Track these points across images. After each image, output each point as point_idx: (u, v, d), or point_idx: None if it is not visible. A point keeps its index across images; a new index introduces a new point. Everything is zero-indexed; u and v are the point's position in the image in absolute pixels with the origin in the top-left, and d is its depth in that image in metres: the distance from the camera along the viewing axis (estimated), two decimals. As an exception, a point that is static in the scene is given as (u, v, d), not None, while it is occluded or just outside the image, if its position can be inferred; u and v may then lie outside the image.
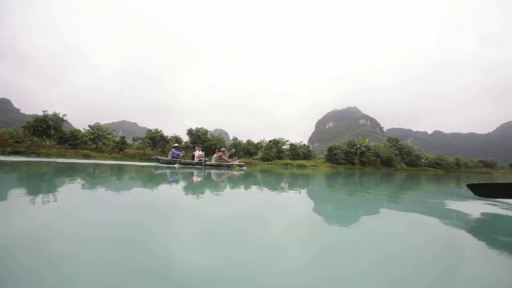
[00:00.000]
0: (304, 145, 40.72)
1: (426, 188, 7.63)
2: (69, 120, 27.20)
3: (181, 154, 13.51)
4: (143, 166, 11.18)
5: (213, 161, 13.90)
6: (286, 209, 3.06)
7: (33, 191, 3.43)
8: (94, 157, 21.24)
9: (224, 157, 14.17)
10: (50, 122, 24.84)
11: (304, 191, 5.29)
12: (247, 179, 7.26)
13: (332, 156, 38.55)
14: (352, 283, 1.20)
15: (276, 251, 1.56)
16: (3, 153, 16.96)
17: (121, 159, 21.39)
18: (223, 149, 15.55)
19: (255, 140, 38.23)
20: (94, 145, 26.96)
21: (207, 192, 4.27)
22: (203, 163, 13.22)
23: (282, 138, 37.61)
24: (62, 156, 19.38)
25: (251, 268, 1.31)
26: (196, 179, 6.71)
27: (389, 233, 2.15)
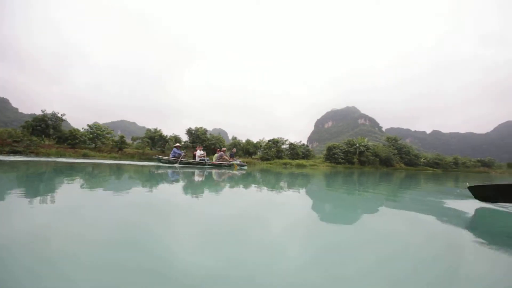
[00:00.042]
0: (303, 144, 40.77)
1: (424, 187, 7.66)
2: (67, 120, 27.08)
3: (182, 154, 13.49)
4: (144, 166, 11.14)
5: (214, 161, 13.89)
6: (285, 209, 3.07)
7: (33, 191, 3.43)
8: (93, 157, 21.20)
9: (225, 156, 14.16)
10: (49, 122, 24.77)
11: (303, 191, 5.31)
12: (247, 179, 7.27)
13: (331, 156, 38.60)
14: (352, 283, 1.20)
15: (276, 251, 1.56)
16: (1, 153, 16.90)
17: (120, 159, 21.35)
18: (224, 148, 15.52)
19: (255, 139, 38.28)
20: (93, 145, 26.91)
21: (208, 191, 4.28)
22: (205, 163, 13.21)
23: (281, 138, 37.64)
24: (61, 156, 19.34)
25: (251, 268, 1.31)
26: (197, 178, 6.71)
27: (389, 233, 2.15)
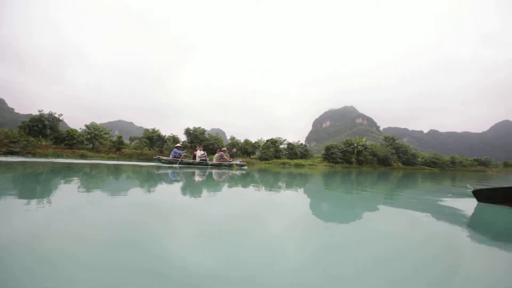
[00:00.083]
0: (302, 144, 40.82)
1: (423, 186, 7.71)
2: (64, 120, 26.92)
3: (182, 154, 13.46)
4: (144, 166, 11.10)
5: (214, 161, 13.88)
6: (285, 209, 3.09)
7: (33, 192, 3.42)
8: (91, 157, 21.09)
9: (225, 156, 14.15)
10: (46, 122, 24.57)
11: (303, 191, 5.33)
12: (247, 179, 7.28)
13: (329, 155, 38.69)
14: (351, 282, 1.20)
15: (276, 251, 1.56)
16: (-2, 153, 16.78)
17: (118, 159, 21.27)
18: (224, 148, 15.50)
19: (253, 139, 38.28)
20: (91, 145, 26.75)
21: (208, 192, 4.28)
22: (206, 163, 13.18)
23: (279, 138, 37.66)
24: (58, 156, 19.23)
25: (251, 267, 1.31)
26: (197, 179, 6.71)
27: (388, 232, 2.16)
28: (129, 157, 24.78)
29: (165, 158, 13.46)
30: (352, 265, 1.40)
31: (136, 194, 3.66)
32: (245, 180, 6.96)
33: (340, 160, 38.52)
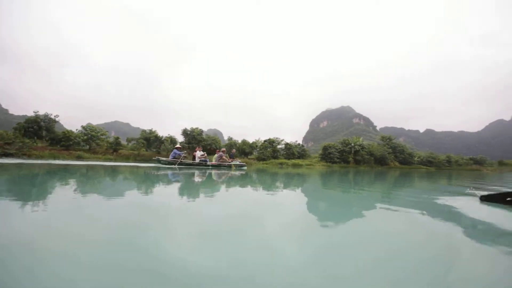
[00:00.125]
0: (299, 144, 40.91)
1: (420, 185, 7.78)
2: (60, 121, 26.67)
3: (182, 154, 13.45)
4: (143, 167, 11.05)
5: (213, 161, 13.86)
6: (284, 209, 3.11)
7: (34, 193, 3.41)
8: (88, 159, 20.94)
9: (224, 157, 14.14)
10: (42, 123, 24.35)
11: (301, 191, 5.36)
12: (247, 179, 7.28)
13: (326, 155, 38.82)
14: (351, 282, 1.20)
15: (276, 251, 1.56)
16: (-7, 155, 16.61)
17: (115, 160, 21.14)
18: (224, 149, 15.47)
19: (250, 139, 38.31)
20: (88, 146, 26.57)
21: (207, 192, 4.29)
22: (205, 164, 13.16)
23: (277, 138, 37.72)
24: (55, 158, 19.05)
25: (251, 268, 1.32)
26: (197, 179, 6.70)
27: (387, 232, 2.16)
28: (126, 158, 24.65)
29: (164, 159, 13.42)
30: (352, 265, 1.39)
31: (136, 194, 3.66)
32: (244, 180, 6.97)
33: (338, 160, 38.67)
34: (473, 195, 3.91)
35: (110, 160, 21.37)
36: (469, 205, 3.66)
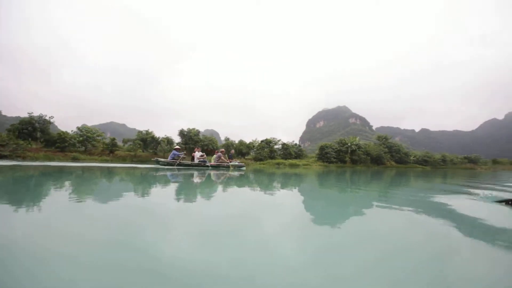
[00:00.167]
0: (296, 144, 41.03)
1: (417, 184, 7.85)
2: (55, 123, 26.41)
3: (181, 155, 13.45)
4: (143, 168, 10.99)
5: (212, 162, 13.86)
6: (283, 209, 3.12)
7: (34, 194, 3.39)
8: (84, 160, 20.75)
9: (222, 158, 14.13)
10: (36, 125, 24.11)
11: (300, 190, 5.39)
12: (246, 180, 7.29)
13: (323, 155, 38.99)
14: (351, 282, 1.20)
15: (276, 251, 1.56)
16: (-13, 157, 16.38)
17: (112, 162, 20.99)
18: (222, 149, 15.44)
19: (247, 140, 38.35)
20: (83, 148, 26.34)
21: (207, 192, 4.29)
22: (204, 164, 13.16)
23: (274, 138, 37.80)
24: (50, 160, 18.85)
25: (251, 267, 1.32)
26: (196, 180, 6.69)
27: (387, 231, 2.16)
28: (123, 160, 24.49)
29: (163, 159, 13.41)
30: (352, 265, 1.39)
31: (135, 195, 3.65)
32: (243, 181, 6.98)
33: (334, 160, 38.86)
34: (468, 193, 3.93)
35: (106, 161, 21.21)
36: (468, 204, 3.68)
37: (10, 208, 2.50)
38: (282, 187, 5.74)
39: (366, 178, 10.12)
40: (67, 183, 4.95)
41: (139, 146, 29.41)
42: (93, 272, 1.20)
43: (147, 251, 1.47)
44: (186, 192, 4.40)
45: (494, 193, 4.35)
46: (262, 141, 37.07)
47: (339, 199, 4.20)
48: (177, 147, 14.37)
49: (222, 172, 10.58)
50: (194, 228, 2.06)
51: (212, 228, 2.03)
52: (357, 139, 44.13)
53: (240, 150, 35.40)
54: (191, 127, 33.46)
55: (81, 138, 25.91)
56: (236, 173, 9.94)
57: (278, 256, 1.49)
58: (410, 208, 3.22)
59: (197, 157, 13.64)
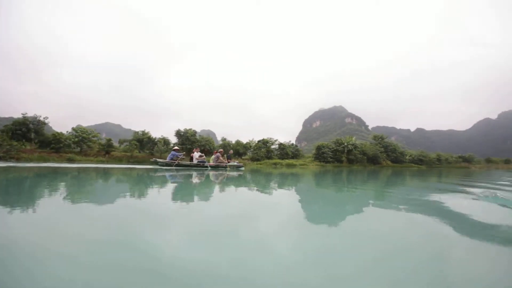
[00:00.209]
0: (292, 144, 41.15)
1: (414, 184, 7.92)
2: (49, 123, 26.14)
3: (180, 156, 13.46)
4: (142, 169, 10.96)
5: (211, 162, 13.87)
6: (282, 209, 3.13)
7: (34, 194, 3.37)
8: (80, 161, 20.58)
9: (221, 158, 14.14)
10: (31, 125, 23.82)
11: (298, 190, 5.40)
12: (244, 180, 7.29)
13: (320, 155, 39.15)
14: (351, 282, 1.20)
15: (275, 251, 1.57)
16: (-20, 159, 16.14)
17: (108, 162, 20.83)
18: (221, 150, 15.44)
19: (244, 140, 38.36)
20: (79, 149, 26.10)
21: (206, 193, 4.29)
22: (203, 165, 13.15)
23: (271, 138, 37.88)
24: (45, 161, 18.64)
25: (251, 267, 1.32)
26: (195, 180, 6.69)
27: (386, 231, 2.16)
28: (119, 160, 24.33)
29: (162, 160, 13.44)
30: (352, 264, 1.39)
31: (135, 196, 3.64)
32: (242, 181, 6.98)
33: (331, 160, 39.05)
34: (466, 192, 3.93)
35: (102, 162, 21.05)
36: (466, 203, 3.70)
37: (10, 208, 2.49)
38: (280, 187, 5.76)
39: (363, 178, 10.20)
40: (65, 184, 4.92)
41: (135, 146, 29.22)
42: (93, 272, 1.20)
43: (147, 251, 1.47)
44: (185, 192, 4.40)
45: (490, 191, 4.40)
46: (259, 141, 37.12)
47: (337, 199, 4.22)
48: (176, 147, 14.42)
49: (221, 172, 10.58)
50: (194, 228, 2.06)
51: (211, 228, 2.03)
52: (354, 138, 44.41)
53: (237, 150, 35.39)
54: (187, 128, 33.38)
55: (76, 139, 25.68)
56: (235, 173, 9.95)
57: (278, 256, 1.49)
58: (408, 207, 3.24)
59: (196, 158, 13.64)
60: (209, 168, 13.05)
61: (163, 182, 5.99)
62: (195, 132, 33.60)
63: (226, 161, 14.28)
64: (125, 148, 29.84)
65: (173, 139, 32.81)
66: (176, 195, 3.98)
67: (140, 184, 5.54)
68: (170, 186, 5.16)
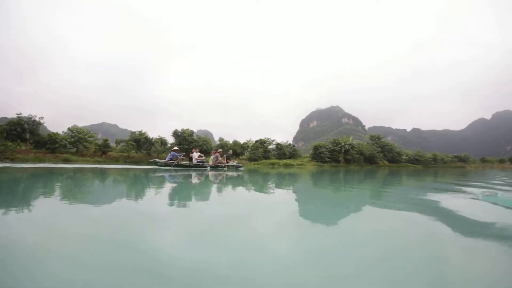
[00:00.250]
0: (290, 144, 41.21)
1: (411, 183, 7.99)
2: (44, 124, 25.88)
3: (180, 156, 13.49)
4: (141, 170, 10.92)
5: (210, 162, 13.87)
6: (282, 209, 3.14)
7: (34, 195, 3.36)
8: (76, 162, 20.42)
9: (220, 158, 14.14)
10: (26, 125, 23.55)
11: (297, 190, 5.41)
12: (243, 180, 7.29)
13: (317, 155, 39.26)
14: (352, 282, 1.20)
15: (275, 251, 1.57)
16: (-26, 160, 15.94)
17: (104, 163, 20.69)
18: (220, 150, 15.42)
19: (241, 140, 38.36)
20: (75, 149, 25.88)
21: (206, 193, 4.29)
22: (203, 165, 13.14)
23: (268, 138, 37.90)
24: (40, 161, 18.47)
25: (251, 267, 1.32)
26: (194, 180, 6.69)
27: (386, 231, 2.16)
28: (116, 161, 24.19)
29: (161, 160, 13.49)
30: (352, 264, 1.39)
31: (134, 196, 3.65)
32: (241, 181, 6.99)
33: (328, 160, 39.17)
34: (465, 191, 3.95)
35: (99, 162, 20.92)
36: (465, 203, 3.71)
37: (9, 209, 2.48)
38: (279, 187, 5.77)
39: (361, 178, 10.25)
40: (64, 184, 4.90)
41: (132, 147, 29.04)
42: (93, 272, 1.20)
43: (147, 251, 1.47)
44: (185, 192, 4.39)
45: (489, 191, 4.45)
46: (256, 141, 37.13)
47: (336, 199, 4.24)
48: (176, 148, 14.50)
49: (220, 172, 10.58)
50: (194, 228, 2.06)
51: (211, 228, 2.04)
52: (351, 138, 44.63)
53: (234, 150, 35.34)
54: (185, 128, 33.28)
55: (72, 139, 25.46)
56: (234, 173, 9.95)
57: (277, 256, 1.49)
58: (406, 207, 3.25)
59: (195, 158, 13.65)
60: (209, 168, 13.05)
61: (163, 182, 5.98)
62: (192, 132, 33.49)
63: (225, 161, 14.27)
64: (122, 148, 29.63)
65: (170, 139, 32.70)
66: (176, 195, 3.97)
67: (139, 184, 5.53)
68: (170, 186, 5.15)
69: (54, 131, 25.97)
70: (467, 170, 26.18)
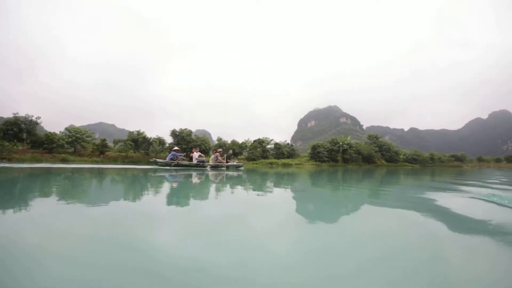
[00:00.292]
0: (288, 144, 41.28)
1: (409, 183, 8.02)
2: (41, 123, 25.70)
3: (180, 156, 13.54)
4: (139, 169, 10.92)
5: (210, 162, 13.87)
6: (281, 209, 3.15)
7: (34, 194, 3.35)
8: (74, 161, 20.31)
9: (220, 158, 14.14)
10: (22, 125, 23.40)
11: (296, 190, 5.41)
12: (243, 180, 7.30)
13: (315, 155, 39.36)
14: (352, 282, 1.20)
15: (275, 251, 1.57)
16: (-30, 160, 15.80)
17: (102, 163, 20.60)
18: (220, 150, 15.42)
19: (239, 140, 38.37)
20: (72, 149, 25.75)
21: (205, 193, 4.29)
22: (203, 165, 13.15)
23: (266, 138, 37.95)
24: (38, 161, 18.35)
25: (251, 268, 1.32)
26: (194, 180, 6.69)
27: (386, 231, 2.15)
28: (114, 161, 24.11)
29: (161, 160, 13.52)
30: (352, 264, 1.39)
31: (134, 196, 3.65)
32: (241, 180, 7.00)
33: (326, 159, 39.30)
34: (464, 191, 3.95)
35: (97, 162, 20.83)
36: (463, 201, 3.73)
37: (9, 209, 2.48)
38: (278, 187, 5.77)
39: (359, 177, 10.29)
40: (63, 184, 4.87)
41: (130, 147, 28.95)
42: (93, 272, 1.20)
43: (147, 251, 1.47)
44: (185, 192, 4.39)
45: (488, 190, 4.47)
46: (254, 141, 37.17)
47: (335, 198, 4.25)
48: (177, 148, 14.55)
49: (220, 172, 10.58)
50: (194, 228, 2.06)
51: (211, 228, 2.04)
52: (349, 138, 44.78)
53: (233, 150, 35.37)
54: (183, 127, 33.21)
55: (69, 139, 25.33)
56: (234, 173, 9.96)
57: (277, 255, 1.49)
58: (404, 206, 3.26)
59: (196, 158, 13.67)
60: (209, 168, 13.05)
61: (163, 182, 5.97)
62: (190, 132, 33.45)
63: (225, 161, 14.29)
64: (119, 148, 29.55)
65: (169, 139, 32.64)
66: (176, 195, 3.97)
67: (139, 184, 5.52)
68: (170, 186, 5.15)
69: (51, 131, 25.83)
70: (464, 170, 26.36)
